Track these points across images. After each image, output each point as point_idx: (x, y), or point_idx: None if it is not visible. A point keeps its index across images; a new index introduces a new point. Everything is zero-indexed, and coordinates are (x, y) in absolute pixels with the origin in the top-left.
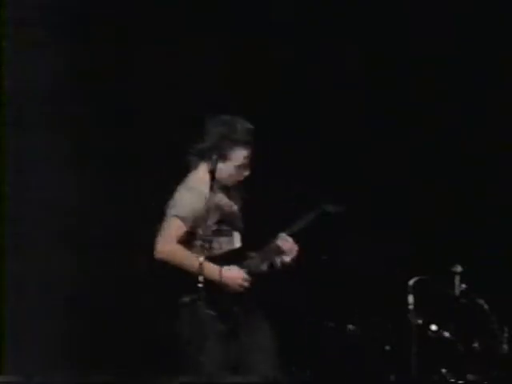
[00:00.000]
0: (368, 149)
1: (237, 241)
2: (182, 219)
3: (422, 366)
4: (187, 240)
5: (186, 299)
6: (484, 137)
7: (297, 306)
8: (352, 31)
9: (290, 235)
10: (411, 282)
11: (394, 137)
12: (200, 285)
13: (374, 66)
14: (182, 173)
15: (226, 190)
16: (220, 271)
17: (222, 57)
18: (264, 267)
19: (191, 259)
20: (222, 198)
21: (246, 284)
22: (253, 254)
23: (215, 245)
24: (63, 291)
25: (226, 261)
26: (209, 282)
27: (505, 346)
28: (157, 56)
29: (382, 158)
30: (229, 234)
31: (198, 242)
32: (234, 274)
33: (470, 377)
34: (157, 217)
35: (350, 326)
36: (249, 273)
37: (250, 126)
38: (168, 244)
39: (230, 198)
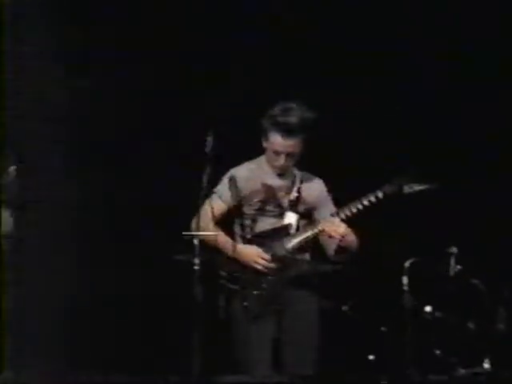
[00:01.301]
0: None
1: (288, 220)
2: (222, 199)
3: (416, 348)
4: (232, 218)
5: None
6: (481, 127)
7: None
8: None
9: (343, 219)
10: (406, 264)
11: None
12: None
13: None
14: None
15: (276, 172)
16: (234, 246)
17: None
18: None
19: (223, 240)
20: (271, 178)
21: (263, 262)
22: (294, 234)
23: (260, 224)
24: (63, 291)
25: (269, 239)
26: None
27: (500, 326)
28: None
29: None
30: (277, 215)
31: (243, 221)
32: (249, 251)
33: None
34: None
35: (345, 307)
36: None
37: (295, 118)
38: (201, 219)
39: (283, 180)
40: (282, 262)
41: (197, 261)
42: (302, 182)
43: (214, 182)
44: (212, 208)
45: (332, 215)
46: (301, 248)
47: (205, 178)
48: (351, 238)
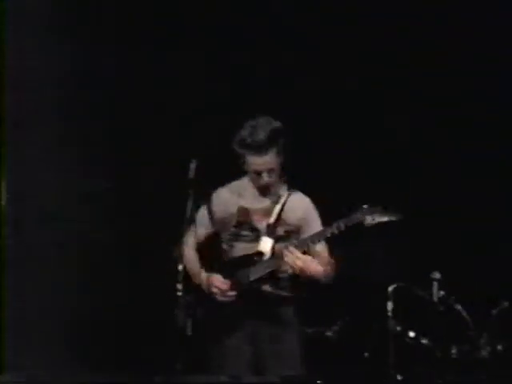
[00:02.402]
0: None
1: (263, 246)
2: (201, 224)
3: (400, 373)
4: (214, 243)
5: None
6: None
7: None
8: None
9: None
10: (390, 289)
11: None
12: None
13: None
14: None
15: (260, 193)
16: (200, 275)
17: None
18: (262, 274)
19: (193, 266)
20: (250, 201)
21: (227, 293)
22: (263, 262)
23: (235, 249)
24: (63, 291)
25: (240, 266)
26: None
27: (483, 352)
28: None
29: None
30: (253, 239)
31: (221, 246)
32: (210, 279)
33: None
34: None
35: (329, 333)
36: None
37: (262, 134)
38: (183, 248)
39: (263, 202)
40: (245, 292)
41: (179, 287)
42: (285, 203)
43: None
44: (192, 235)
45: (296, 246)
46: (272, 277)
47: (188, 204)
48: (314, 269)
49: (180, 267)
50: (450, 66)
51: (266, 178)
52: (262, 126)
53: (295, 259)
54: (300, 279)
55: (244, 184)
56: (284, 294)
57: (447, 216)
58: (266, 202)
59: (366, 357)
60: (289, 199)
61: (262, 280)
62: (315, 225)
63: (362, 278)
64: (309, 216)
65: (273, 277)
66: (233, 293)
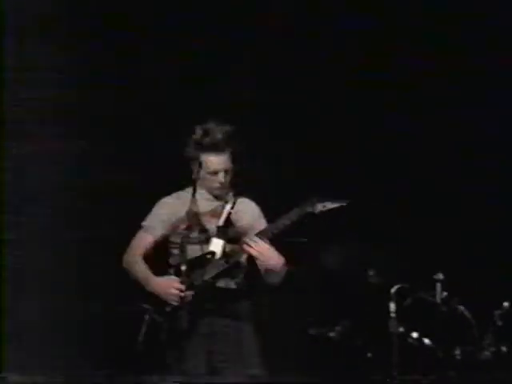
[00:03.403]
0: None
1: (213, 246)
2: (148, 229)
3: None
4: (163, 248)
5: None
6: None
7: (278, 313)
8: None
9: (268, 237)
10: (393, 290)
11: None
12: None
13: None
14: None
15: (212, 196)
16: (152, 280)
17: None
18: (217, 272)
19: (142, 272)
20: (200, 205)
21: (179, 294)
22: (217, 261)
23: (187, 252)
24: (63, 291)
25: (193, 268)
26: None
27: (486, 353)
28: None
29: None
30: (203, 241)
31: (172, 250)
32: (161, 283)
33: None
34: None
35: (332, 334)
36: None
37: (220, 133)
38: (128, 257)
39: (212, 205)
40: (200, 292)
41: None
42: (233, 206)
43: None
44: (138, 241)
45: (259, 236)
46: (227, 275)
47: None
48: (275, 259)
49: (183, 267)
50: (450, 65)
51: (222, 177)
52: (217, 128)
53: (261, 248)
54: (254, 274)
55: (189, 191)
56: (240, 288)
57: (450, 217)
58: (214, 205)
59: (368, 357)
60: (237, 202)
61: (216, 278)
62: (262, 227)
63: (365, 278)
64: (257, 220)
65: (227, 274)
66: (189, 293)
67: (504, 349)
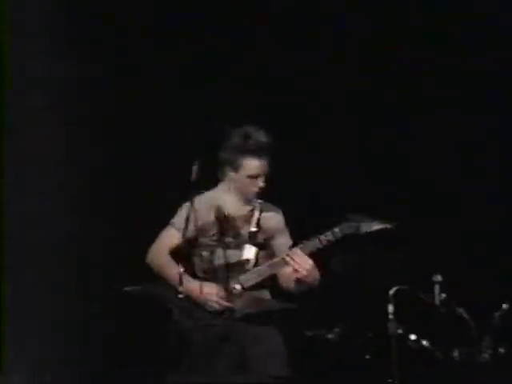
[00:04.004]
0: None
1: (247, 253)
2: (177, 228)
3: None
4: (191, 249)
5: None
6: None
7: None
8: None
9: (310, 252)
10: (391, 292)
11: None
12: (180, 296)
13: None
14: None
15: (243, 201)
16: (197, 287)
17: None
18: (256, 281)
19: (172, 271)
20: (231, 208)
21: (220, 301)
22: (253, 269)
23: (218, 256)
24: (63, 292)
25: (226, 274)
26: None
27: (484, 355)
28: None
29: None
30: (235, 246)
31: (202, 252)
32: (205, 290)
33: None
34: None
35: (330, 336)
36: (242, 288)
37: (264, 137)
38: (156, 252)
39: (243, 210)
40: (237, 299)
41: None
42: (261, 211)
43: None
44: (166, 239)
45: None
46: (259, 283)
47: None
48: (315, 275)
49: (181, 270)
50: (450, 65)
51: (261, 182)
52: (259, 132)
53: (305, 263)
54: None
55: (221, 192)
56: (276, 301)
57: (448, 218)
58: (245, 210)
59: (367, 359)
60: (263, 208)
61: (253, 287)
62: (286, 235)
63: (363, 280)
64: (281, 226)
65: (264, 284)
66: (228, 302)
67: (502, 350)
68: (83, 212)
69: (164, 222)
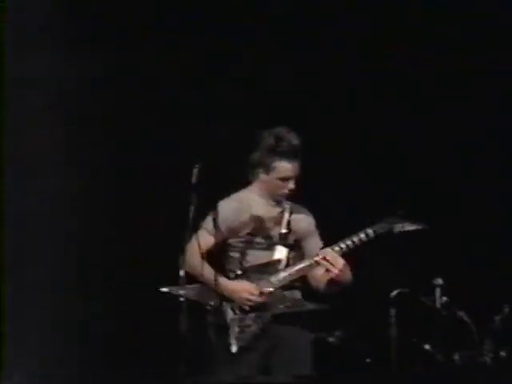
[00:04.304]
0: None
1: (278, 254)
2: (210, 232)
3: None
4: (221, 251)
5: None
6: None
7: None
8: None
9: (342, 252)
10: (392, 294)
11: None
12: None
13: None
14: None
15: (273, 202)
16: (230, 285)
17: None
18: (287, 282)
19: (206, 272)
20: (261, 210)
21: (254, 299)
22: (284, 269)
23: (249, 257)
24: (63, 292)
25: (258, 274)
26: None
27: (485, 358)
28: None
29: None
30: (266, 247)
31: (232, 254)
32: (235, 287)
33: None
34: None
35: (331, 339)
36: (273, 288)
37: (296, 139)
38: (190, 255)
39: (273, 211)
40: (269, 298)
41: (182, 292)
42: (291, 213)
43: (201, 213)
44: (199, 241)
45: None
46: (290, 284)
47: (191, 210)
48: (347, 275)
49: (181, 273)
50: (450, 65)
51: (292, 184)
52: (291, 134)
53: (336, 261)
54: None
55: (251, 194)
56: (307, 302)
57: (449, 221)
58: (275, 211)
59: (368, 362)
60: (294, 210)
61: (285, 288)
62: (316, 236)
63: (365, 283)
64: (312, 229)
65: (295, 285)
66: (261, 299)
67: (503, 354)
68: (83, 212)
69: (164, 221)
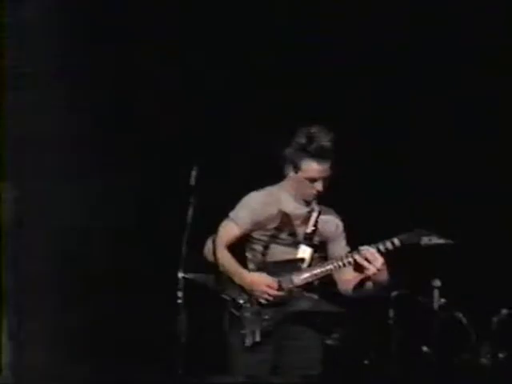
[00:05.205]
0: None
1: (302, 253)
2: (236, 222)
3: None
4: (246, 242)
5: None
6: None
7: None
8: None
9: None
10: (391, 296)
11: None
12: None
13: None
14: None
15: (302, 201)
16: (244, 274)
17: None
18: (308, 280)
19: (228, 263)
20: (289, 207)
21: (272, 293)
22: (307, 268)
23: (272, 251)
24: (63, 292)
25: (279, 270)
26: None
27: (483, 360)
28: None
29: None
30: (290, 244)
31: (255, 246)
32: (256, 279)
33: None
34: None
35: (329, 341)
36: (294, 285)
37: (327, 140)
38: (217, 246)
39: (301, 210)
40: (288, 295)
41: (180, 294)
42: (320, 214)
43: (199, 213)
44: (224, 231)
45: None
46: (310, 285)
47: (190, 210)
48: (385, 275)
49: (180, 275)
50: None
51: (320, 186)
52: (324, 134)
53: (378, 261)
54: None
55: (282, 190)
56: (326, 305)
57: (447, 223)
58: (303, 210)
59: (366, 364)
60: (322, 212)
61: (304, 286)
62: (342, 241)
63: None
64: (339, 232)
65: (313, 287)
66: (278, 293)
67: (501, 355)
68: (83, 211)
69: (164, 222)
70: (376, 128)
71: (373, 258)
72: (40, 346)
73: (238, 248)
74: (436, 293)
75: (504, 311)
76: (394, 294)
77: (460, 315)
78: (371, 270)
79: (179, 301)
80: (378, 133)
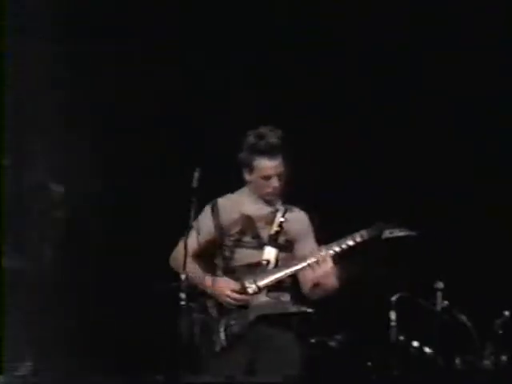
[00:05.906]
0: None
1: (267, 255)
2: (199, 230)
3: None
4: (213, 249)
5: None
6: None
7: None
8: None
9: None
10: (393, 299)
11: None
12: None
13: None
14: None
15: (264, 202)
16: (207, 279)
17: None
18: (271, 282)
19: (196, 272)
20: (251, 209)
21: (235, 296)
22: (272, 270)
23: (238, 256)
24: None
25: (246, 274)
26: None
27: (486, 362)
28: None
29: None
30: (256, 247)
31: (224, 252)
32: (218, 284)
33: None
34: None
35: (332, 343)
36: (257, 287)
37: (276, 137)
38: (176, 254)
39: (264, 211)
40: (254, 298)
41: (183, 296)
42: (284, 213)
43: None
44: (186, 240)
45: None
46: (279, 285)
47: (192, 213)
48: (332, 281)
49: (183, 276)
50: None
51: (276, 182)
52: (272, 132)
53: (327, 267)
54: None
55: (243, 194)
56: (294, 305)
57: (450, 225)
58: (267, 211)
59: (368, 366)
60: (287, 211)
61: (269, 287)
62: (311, 239)
63: (365, 287)
64: (306, 229)
65: (279, 286)
66: (242, 297)
67: (504, 357)
68: (83, 212)
69: (164, 222)
70: (376, 128)
71: (322, 261)
72: (40, 346)
73: (210, 255)
74: (439, 295)
75: (507, 313)
76: (396, 296)
77: (463, 317)
78: (317, 272)
79: (182, 302)
80: (378, 133)
